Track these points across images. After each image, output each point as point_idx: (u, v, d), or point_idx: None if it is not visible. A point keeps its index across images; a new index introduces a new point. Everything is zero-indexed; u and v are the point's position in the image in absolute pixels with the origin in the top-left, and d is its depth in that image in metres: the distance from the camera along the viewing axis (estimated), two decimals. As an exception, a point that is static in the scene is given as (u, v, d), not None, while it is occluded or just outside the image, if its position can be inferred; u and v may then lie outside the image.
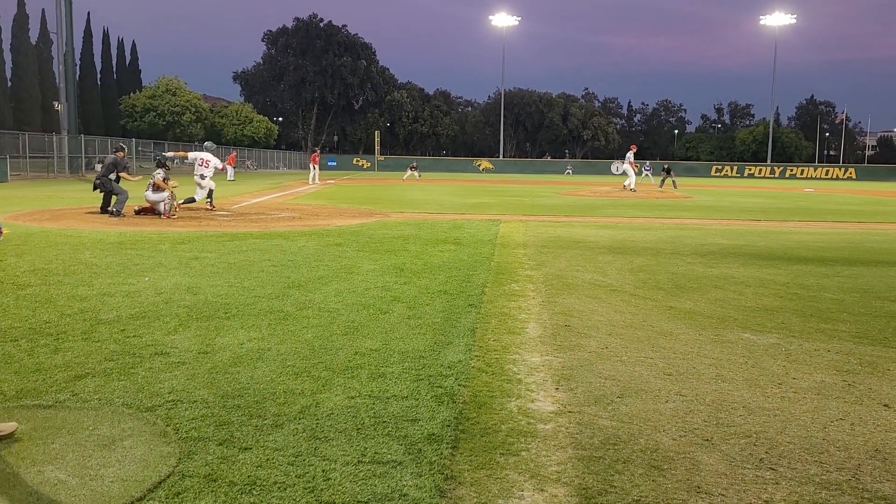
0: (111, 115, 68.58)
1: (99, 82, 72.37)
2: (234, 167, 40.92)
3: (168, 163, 15.10)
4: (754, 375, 4.41)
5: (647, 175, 44.71)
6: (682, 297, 6.94)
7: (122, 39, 78.92)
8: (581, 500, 2.74)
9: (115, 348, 4.68)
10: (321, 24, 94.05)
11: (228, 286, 6.91)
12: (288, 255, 9.03)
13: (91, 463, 2.98)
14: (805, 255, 10.47)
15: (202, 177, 15.70)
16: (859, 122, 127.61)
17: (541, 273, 8.15)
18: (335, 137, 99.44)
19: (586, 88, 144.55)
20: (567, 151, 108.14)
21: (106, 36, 73.65)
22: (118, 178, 14.70)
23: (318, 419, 3.50)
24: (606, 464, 3.07)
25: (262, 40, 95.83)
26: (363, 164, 79.11)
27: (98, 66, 72.79)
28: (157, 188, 14.09)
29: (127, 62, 77.11)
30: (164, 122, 64.48)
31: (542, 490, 2.82)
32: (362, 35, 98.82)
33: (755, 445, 3.31)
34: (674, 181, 37.56)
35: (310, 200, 21.43)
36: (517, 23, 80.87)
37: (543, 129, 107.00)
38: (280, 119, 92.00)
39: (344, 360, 4.49)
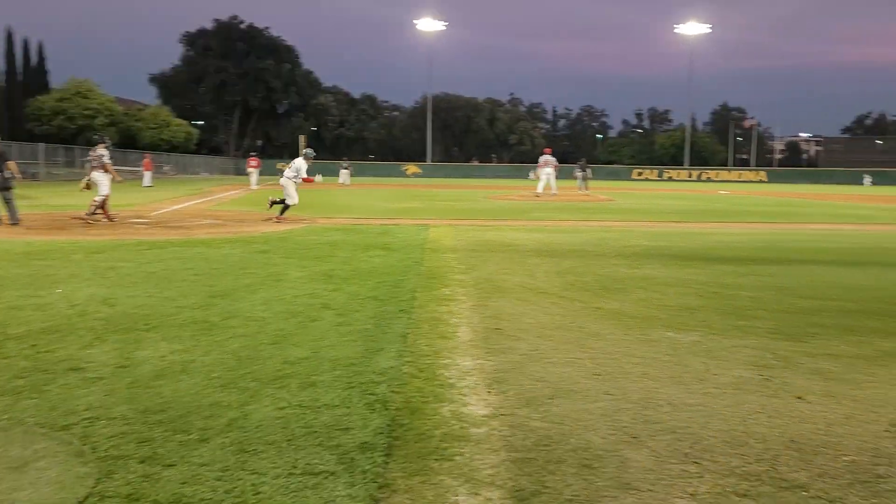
0: (16, 117, 65.33)
1: (4, 84, 68.92)
2: (152, 172, 39.70)
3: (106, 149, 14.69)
4: (678, 373, 4.54)
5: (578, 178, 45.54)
6: (609, 298, 7.09)
7: (28, 40, 75.10)
8: (515, 503, 2.75)
9: (25, 365, 4.45)
10: (242, 26, 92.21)
11: (148, 297, 6.68)
12: (211, 264, 8.80)
13: (1, 487, 2.81)
14: (723, 255, 10.86)
15: (291, 179, 15.69)
16: (769, 128, 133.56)
17: (471, 277, 8.19)
18: (259, 142, 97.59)
19: (512, 94, 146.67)
20: (494, 156, 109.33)
21: (9, 36, 70.26)
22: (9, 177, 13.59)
23: (246, 432, 3.41)
24: (539, 465, 3.09)
25: (180, 41, 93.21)
26: (288, 169, 77.94)
27: (1, 68, 69.36)
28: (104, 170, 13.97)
29: (33, 63, 73.67)
30: (76, 126, 61.85)
31: (476, 494, 2.82)
32: (285, 37, 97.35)
33: (680, 441, 3.40)
34: (586, 181, 38.20)
35: (234, 206, 20.98)
36: (443, 27, 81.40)
37: (471, 134, 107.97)
38: (201, 123, 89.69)
39: (272, 370, 4.39)
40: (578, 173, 39.40)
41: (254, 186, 36.28)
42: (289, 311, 6.13)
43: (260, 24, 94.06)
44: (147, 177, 38.39)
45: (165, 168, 62.41)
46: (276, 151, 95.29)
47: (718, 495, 2.85)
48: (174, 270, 8.22)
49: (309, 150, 16.74)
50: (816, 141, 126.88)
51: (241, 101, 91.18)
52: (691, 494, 2.85)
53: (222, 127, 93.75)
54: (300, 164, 16.08)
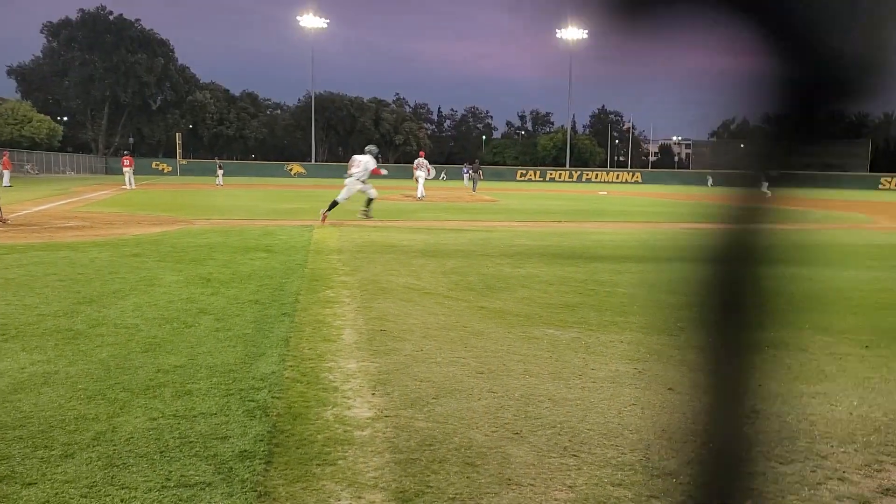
0: None
1: None
2: (10, 171, 37.05)
3: None
4: (558, 369, 4.67)
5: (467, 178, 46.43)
6: (493, 297, 7.22)
7: None
8: (398, 505, 2.74)
9: None
10: (111, 17, 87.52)
11: (6, 304, 6.20)
12: (77, 268, 8.28)
13: None
14: (601, 253, 11.31)
15: (359, 179, 15.52)
16: (644, 131, 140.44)
17: (356, 278, 8.12)
18: (131, 139, 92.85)
19: (397, 94, 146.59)
20: (380, 156, 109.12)
21: None
22: None
23: (115, 445, 3.22)
24: (423, 465, 3.10)
25: (42, 32, 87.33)
26: (163, 169, 74.69)
27: None
28: None
29: None
30: (-78, 122, 56.79)
31: (359, 497, 2.78)
32: (158, 31, 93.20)
33: (560, 435, 3.50)
34: (475, 181, 39.06)
35: (102, 208, 19.86)
36: (326, 25, 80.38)
37: (356, 134, 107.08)
38: (65, 119, 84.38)
39: (144, 379, 4.18)
40: (472, 174, 40.65)
41: (129, 186, 34.81)
42: (162, 317, 5.86)
43: (130, 16, 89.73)
44: (6, 176, 35.88)
45: (27, 167, 58.36)
46: (151, 150, 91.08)
47: (595, 486, 2.95)
48: (36, 276, 7.68)
49: (372, 147, 16.95)
50: (686, 144, 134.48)
51: (111, 97, 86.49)
52: (570, 487, 2.94)
53: (90, 123, 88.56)
54: (368, 161, 15.99)
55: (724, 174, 0.83)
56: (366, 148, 16.63)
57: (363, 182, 16.01)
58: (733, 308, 0.78)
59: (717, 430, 0.86)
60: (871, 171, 74.23)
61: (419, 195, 28.31)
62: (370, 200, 16.35)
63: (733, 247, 0.78)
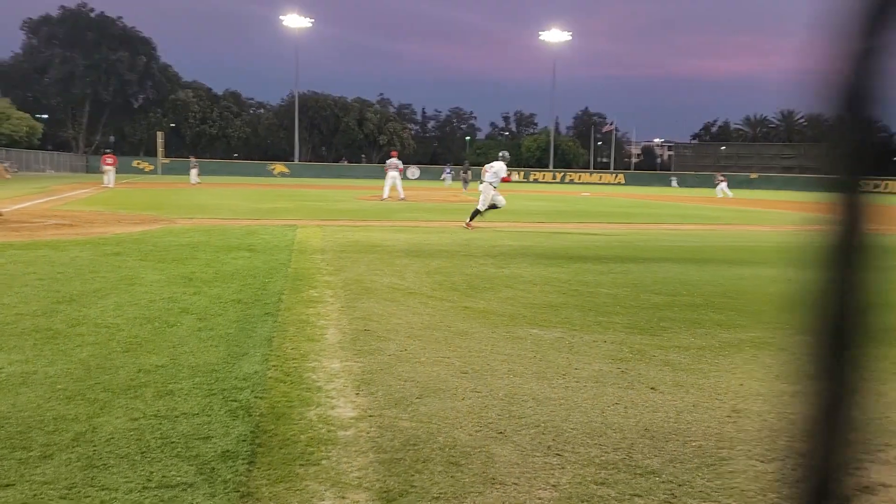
0: None
1: None
2: None
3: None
4: (542, 368, 4.68)
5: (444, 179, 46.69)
6: (476, 297, 7.22)
7: None
8: (382, 505, 2.74)
9: None
10: (92, 15, 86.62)
11: (-15, 303, 6.12)
12: (57, 267, 8.18)
13: None
14: (584, 254, 11.35)
15: (492, 184, 15.70)
16: (626, 133, 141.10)
17: (339, 278, 8.09)
18: (112, 138, 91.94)
19: (381, 94, 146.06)
20: (363, 156, 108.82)
21: None
22: None
23: (95, 446, 3.19)
24: (407, 464, 3.09)
25: (22, 29, 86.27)
26: (145, 168, 74.07)
27: None
28: None
29: None
30: None
31: (342, 497, 2.77)
32: (140, 28, 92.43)
33: (543, 434, 3.51)
34: (466, 181, 39.27)
35: (83, 206, 19.66)
36: (310, 25, 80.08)
37: (339, 134, 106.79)
38: (45, 116, 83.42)
39: (125, 379, 4.14)
40: (463, 175, 41.39)
41: (109, 185, 34.54)
42: (144, 316, 5.81)
43: (112, 14, 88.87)
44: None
45: (5, 164, 57.60)
46: (132, 149, 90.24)
47: (578, 485, 2.95)
48: (14, 275, 7.58)
49: (506, 153, 16.92)
50: (668, 146, 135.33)
51: (92, 95, 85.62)
52: (553, 486, 2.94)
53: (70, 121, 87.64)
54: (500, 167, 16.00)
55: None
56: (499, 154, 16.77)
57: (495, 188, 15.99)
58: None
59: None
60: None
61: (384, 196, 27.34)
62: (493, 207, 16.20)
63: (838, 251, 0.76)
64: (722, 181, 45.28)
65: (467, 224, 15.57)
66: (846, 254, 0.76)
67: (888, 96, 0.73)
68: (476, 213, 15.74)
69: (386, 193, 27.61)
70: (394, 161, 27.99)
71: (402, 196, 27.57)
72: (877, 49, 0.70)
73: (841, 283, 0.77)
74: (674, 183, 72.52)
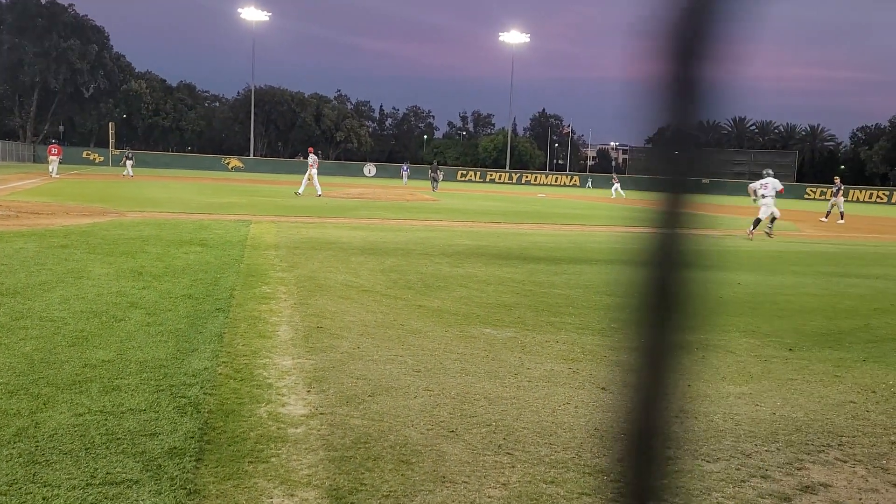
0: None
1: None
2: None
3: None
4: (494, 367, 4.71)
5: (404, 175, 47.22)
6: (431, 295, 7.23)
7: None
8: (332, 502, 2.72)
9: None
10: (42, 1, 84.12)
11: (-78, 295, 5.91)
12: (0, 259, 7.94)
13: None
14: (538, 254, 11.45)
15: (763, 196, 16.88)
16: (582, 135, 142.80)
17: (293, 275, 8.01)
18: (61, 127, 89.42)
19: (339, 90, 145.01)
20: (320, 152, 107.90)
21: None
22: None
23: (37, 441, 3.10)
24: (357, 463, 3.08)
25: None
26: (95, 159, 72.26)
27: None
28: None
29: None
30: None
31: (291, 495, 2.75)
32: (92, 16, 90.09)
33: (495, 433, 3.53)
34: (436, 180, 39.89)
35: (29, 197, 19.11)
36: (268, 18, 79.11)
37: (296, 129, 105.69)
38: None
39: (70, 374, 4.04)
40: (432, 174, 43.08)
41: (54, 175, 33.69)
42: (91, 310, 5.67)
43: (63, 1, 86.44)
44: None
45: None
46: (82, 139, 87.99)
47: (528, 484, 2.98)
48: (-46, 266, 7.33)
49: (769, 170, 17.80)
50: (623, 149, 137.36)
51: (41, 83, 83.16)
52: (504, 484, 2.97)
53: (17, 109, 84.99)
54: (776, 182, 17.18)
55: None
56: (766, 172, 17.65)
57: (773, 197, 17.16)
58: (664, 309, 0.78)
59: (646, 428, 0.87)
60: (797, 181, 77.35)
61: (300, 190, 27.07)
62: (774, 219, 17.36)
63: (663, 250, 0.78)
64: (617, 182, 49.33)
65: (750, 233, 16.56)
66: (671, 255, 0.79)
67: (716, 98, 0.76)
68: (758, 221, 16.94)
69: (302, 189, 27.32)
70: (313, 156, 28.16)
71: (319, 192, 27.21)
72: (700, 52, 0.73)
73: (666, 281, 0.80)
74: (589, 184, 75.09)
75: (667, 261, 0.83)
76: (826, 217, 27.10)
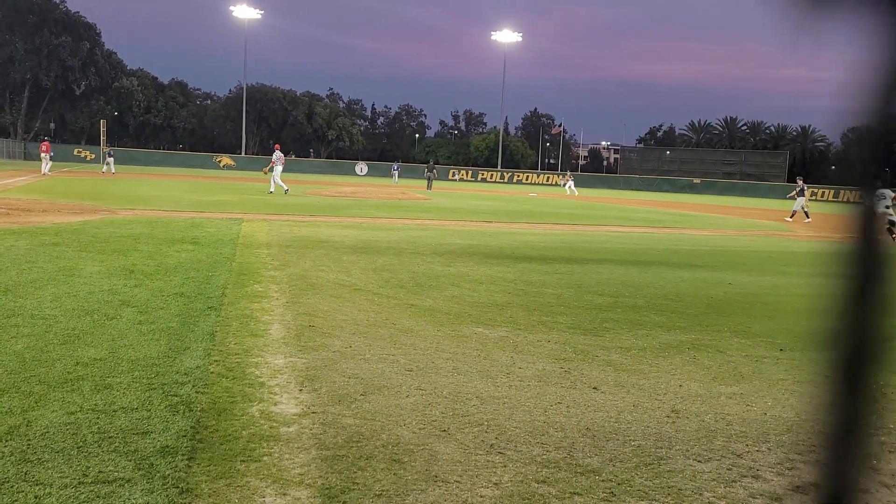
0: None
1: None
2: None
3: None
4: (486, 367, 4.72)
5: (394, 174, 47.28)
6: (423, 294, 7.23)
7: None
8: (324, 500, 2.73)
9: None
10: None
11: (-89, 292, 5.87)
12: (-9, 256, 7.90)
13: None
14: (529, 254, 11.47)
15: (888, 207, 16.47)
16: (574, 135, 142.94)
17: (285, 273, 8.00)
18: (52, 125, 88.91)
19: (331, 89, 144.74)
20: (312, 150, 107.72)
21: None
22: None
23: (29, 440, 3.10)
24: (349, 462, 3.09)
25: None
26: (86, 156, 71.92)
27: None
28: None
29: None
30: None
31: (284, 494, 2.76)
32: (84, 13, 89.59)
33: (486, 432, 3.54)
34: (431, 179, 40.20)
35: (20, 194, 19.00)
36: (260, 16, 78.90)
37: (288, 127, 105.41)
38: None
39: (62, 372, 4.03)
40: (428, 174, 44.04)
41: (45, 172, 33.54)
42: (82, 308, 5.65)
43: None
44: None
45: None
46: (74, 136, 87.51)
47: (520, 483, 2.99)
48: (-56, 263, 7.29)
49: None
50: (615, 149, 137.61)
51: (32, 80, 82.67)
52: (495, 484, 2.98)
53: (8, 107, 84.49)
54: (891, 192, 17.47)
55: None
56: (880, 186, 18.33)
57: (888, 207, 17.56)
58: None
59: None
60: (788, 182, 77.76)
61: (271, 189, 26.94)
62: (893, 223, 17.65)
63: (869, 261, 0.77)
64: (570, 180, 50.79)
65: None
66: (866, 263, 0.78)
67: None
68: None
69: (273, 187, 27.21)
70: (279, 154, 27.97)
71: (286, 188, 27.09)
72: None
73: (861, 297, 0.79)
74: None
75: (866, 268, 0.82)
76: (791, 217, 27.76)
